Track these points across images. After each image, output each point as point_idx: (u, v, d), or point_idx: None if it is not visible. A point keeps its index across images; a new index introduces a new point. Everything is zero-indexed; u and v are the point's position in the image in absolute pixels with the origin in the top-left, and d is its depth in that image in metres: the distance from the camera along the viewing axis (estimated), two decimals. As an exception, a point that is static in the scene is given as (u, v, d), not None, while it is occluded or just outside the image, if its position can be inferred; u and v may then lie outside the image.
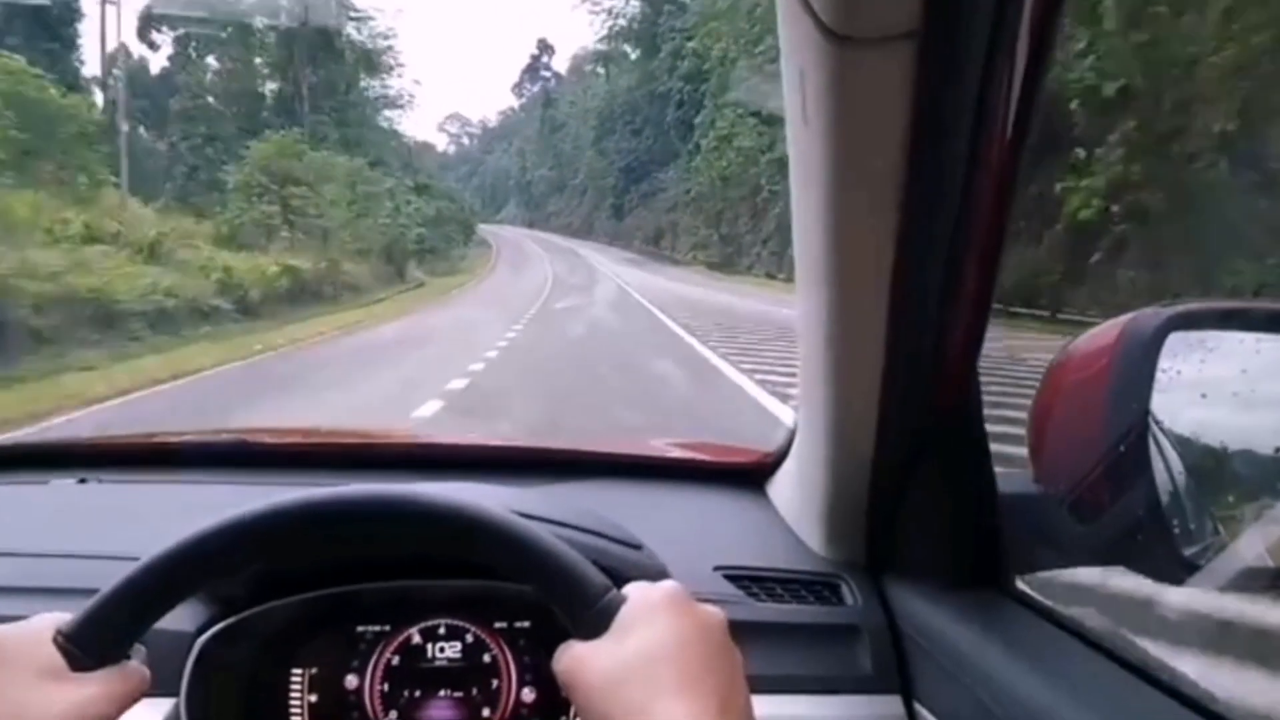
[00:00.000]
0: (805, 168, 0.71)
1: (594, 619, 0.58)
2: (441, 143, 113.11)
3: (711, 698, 0.54)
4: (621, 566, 0.77)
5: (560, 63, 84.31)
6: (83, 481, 1.28)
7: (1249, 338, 0.80)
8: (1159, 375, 0.75)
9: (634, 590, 0.60)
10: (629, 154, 53.38)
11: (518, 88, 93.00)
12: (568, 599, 0.59)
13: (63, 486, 1.27)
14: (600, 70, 62.69)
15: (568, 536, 0.65)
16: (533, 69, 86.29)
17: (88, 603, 0.58)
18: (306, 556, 0.88)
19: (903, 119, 0.63)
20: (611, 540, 0.91)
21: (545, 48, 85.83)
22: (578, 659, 0.57)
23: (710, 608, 0.60)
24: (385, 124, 43.85)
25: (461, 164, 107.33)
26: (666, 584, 0.61)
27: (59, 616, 0.58)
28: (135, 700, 0.59)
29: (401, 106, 44.49)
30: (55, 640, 0.57)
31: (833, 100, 0.63)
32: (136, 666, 0.60)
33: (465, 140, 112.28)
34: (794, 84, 0.66)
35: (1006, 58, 0.61)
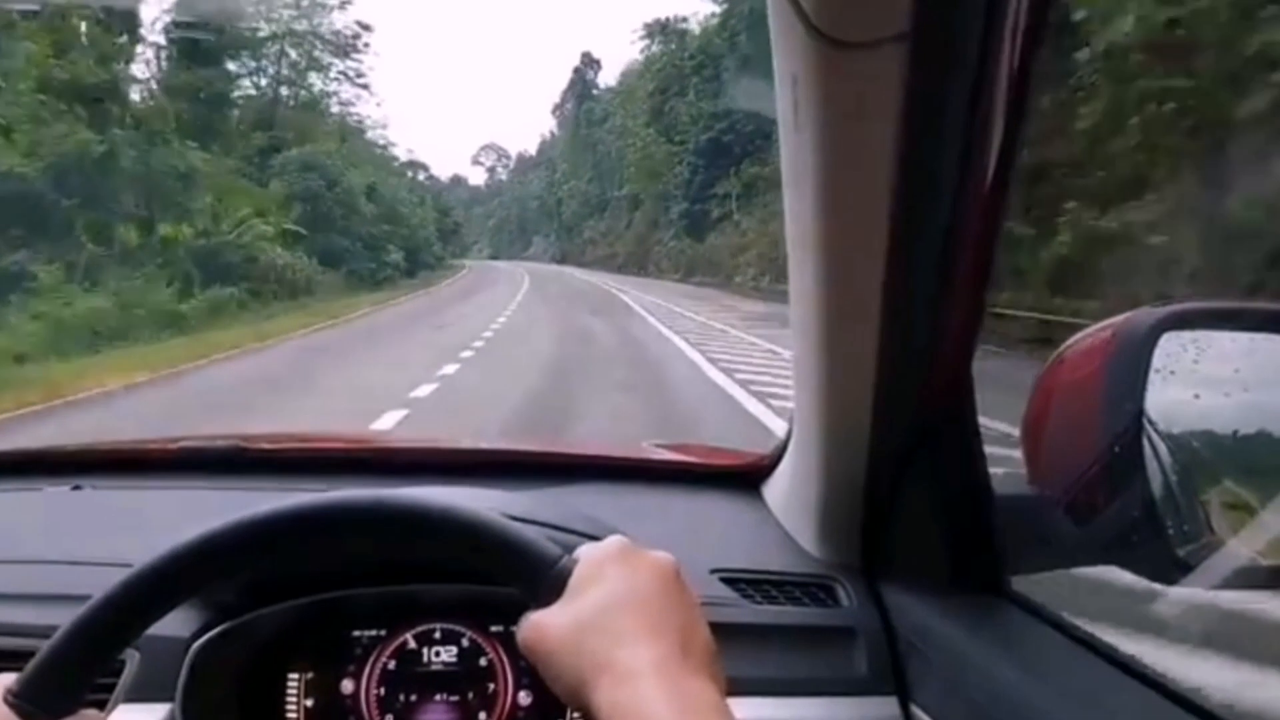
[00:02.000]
0: (797, 171, 0.71)
1: (549, 586, 0.58)
2: (476, 176, 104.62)
3: (672, 638, 0.54)
4: None
5: (608, 78, 69.79)
6: (77, 488, 1.27)
7: (1242, 337, 0.80)
8: (1152, 375, 0.76)
9: (584, 550, 0.60)
10: (711, 125, 31.84)
11: (558, 109, 78.16)
12: (521, 571, 0.60)
13: (57, 493, 1.27)
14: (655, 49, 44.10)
15: (560, 539, 0.65)
16: (575, 86, 71.86)
17: (34, 658, 0.58)
18: (279, 568, 0.88)
19: (894, 121, 0.63)
20: (593, 538, 0.90)
21: (590, 62, 71.11)
22: (537, 626, 0.57)
23: (659, 553, 0.60)
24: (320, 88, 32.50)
25: (493, 197, 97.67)
26: (613, 539, 0.61)
27: (7, 677, 0.58)
28: None
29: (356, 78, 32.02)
30: (6, 700, 0.56)
31: (824, 103, 0.63)
32: (94, 715, 0.60)
33: (501, 173, 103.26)
34: (786, 86, 0.66)
35: (997, 58, 0.61)
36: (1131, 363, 0.76)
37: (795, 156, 0.70)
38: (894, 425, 0.86)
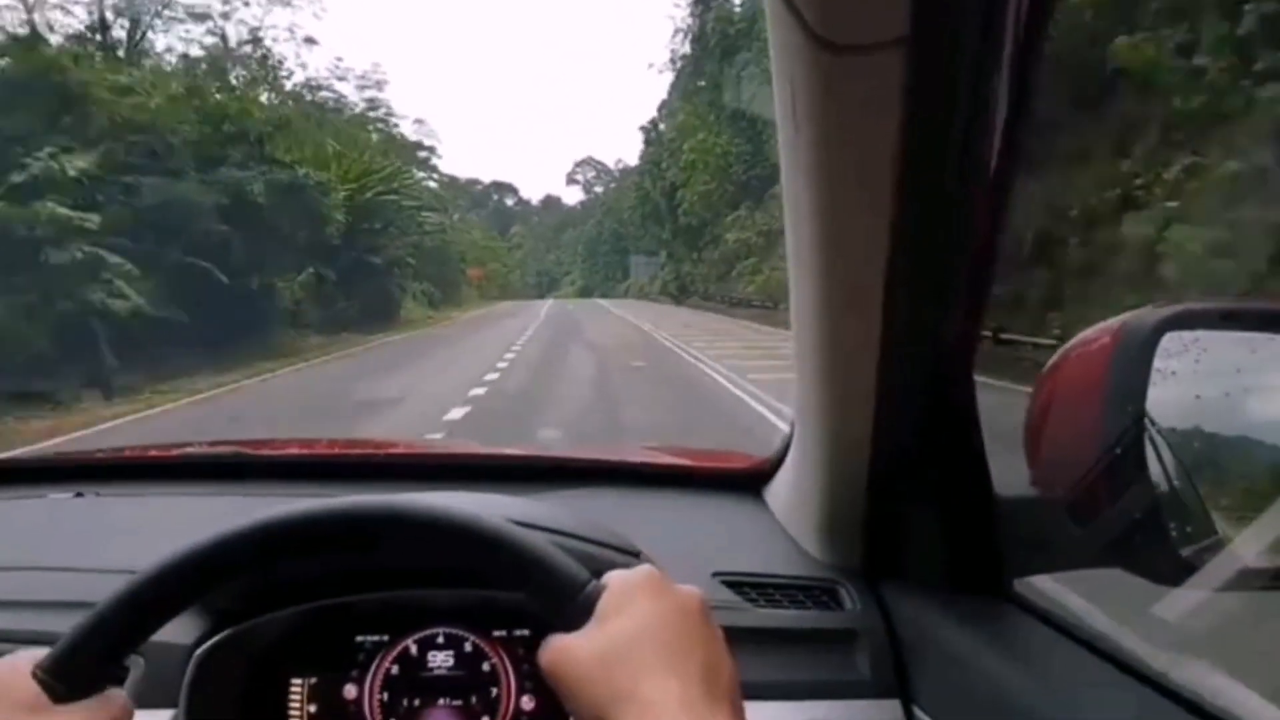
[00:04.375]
0: (797, 175, 0.71)
1: (575, 610, 0.58)
2: (572, 195, 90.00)
3: (695, 673, 0.55)
4: None
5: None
6: (79, 495, 1.28)
7: (1243, 337, 0.80)
8: (1154, 375, 0.76)
9: (612, 578, 0.60)
10: None
11: (666, 107, 53.58)
12: (549, 593, 0.60)
13: (59, 500, 1.27)
14: None
15: (565, 544, 0.65)
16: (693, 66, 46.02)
17: (64, 635, 0.59)
18: (284, 573, 0.88)
19: (893, 125, 0.63)
20: (609, 547, 0.90)
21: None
22: (561, 650, 0.58)
23: (688, 587, 0.61)
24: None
25: (589, 217, 79.36)
26: (643, 568, 0.61)
27: (35, 652, 0.59)
28: None
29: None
30: (34, 675, 0.57)
31: (823, 107, 0.63)
32: (117, 694, 0.60)
33: (598, 189, 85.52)
34: (784, 91, 0.66)
35: (996, 62, 0.61)
36: (1133, 363, 0.76)
37: (793, 158, 0.70)
38: (895, 428, 0.86)
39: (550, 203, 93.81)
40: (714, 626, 0.59)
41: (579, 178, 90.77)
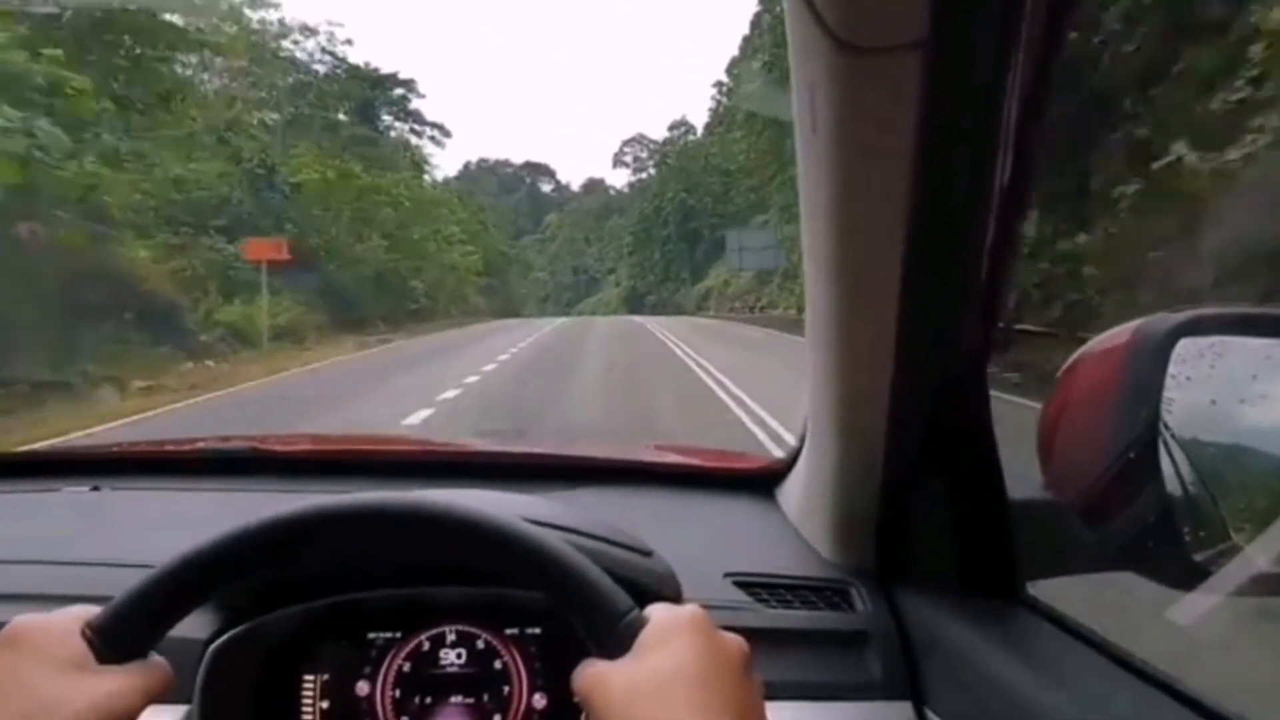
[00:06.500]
0: (814, 176, 0.71)
1: (616, 637, 0.58)
2: (619, 178, 78.22)
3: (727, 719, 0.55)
4: (631, 574, 0.77)
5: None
6: (95, 489, 1.29)
7: (1259, 343, 0.80)
8: (1168, 381, 0.75)
9: (657, 611, 0.60)
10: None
11: (726, 81, 44.80)
12: (590, 616, 0.60)
13: (75, 494, 1.28)
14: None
15: (576, 542, 0.65)
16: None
17: (116, 597, 0.59)
18: (333, 559, 0.89)
19: (911, 128, 0.63)
20: (620, 546, 0.91)
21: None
22: (597, 676, 0.58)
23: (733, 636, 0.60)
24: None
25: (638, 199, 66.13)
26: (690, 608, 0.61)
27: (87, 609, 0.59)
28: (159, 694, 0.60)
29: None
30: (83, 633, 0.58)
31: (842, 109, 0.64)
32: (161, 661, 0.61)
33: (651, 170, 71.42)
34: (803, 92, 0.67)
35: (1014, 66, 0.62)
36: (1148, 368, 0.76)
37: (812, 161, 0.71)
38: (908, 429, 0.86)
39: (593, 187, 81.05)
40: (753, 679, 0.59)
41: (627, 158, 77.05)
